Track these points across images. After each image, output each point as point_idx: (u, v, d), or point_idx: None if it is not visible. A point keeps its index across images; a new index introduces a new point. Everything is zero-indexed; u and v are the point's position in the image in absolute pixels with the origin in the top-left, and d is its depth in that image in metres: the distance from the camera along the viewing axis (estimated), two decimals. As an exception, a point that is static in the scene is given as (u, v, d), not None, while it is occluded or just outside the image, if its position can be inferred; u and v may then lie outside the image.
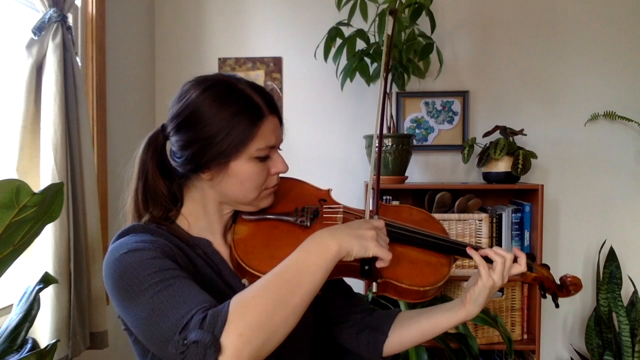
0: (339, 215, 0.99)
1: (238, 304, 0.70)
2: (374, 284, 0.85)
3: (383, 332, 1.04)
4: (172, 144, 0.92)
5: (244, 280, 0.91)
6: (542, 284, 1.02)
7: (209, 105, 0.86)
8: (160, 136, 0.94)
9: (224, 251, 0.96)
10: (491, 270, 0.93)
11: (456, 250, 0.98)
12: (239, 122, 0.86)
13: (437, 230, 1.04)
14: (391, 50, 0.84)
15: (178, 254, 0.86)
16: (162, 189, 0.93)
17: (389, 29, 0.87)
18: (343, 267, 0.87)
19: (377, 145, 0.95)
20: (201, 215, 0.95)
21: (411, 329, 1.02)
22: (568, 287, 1.01)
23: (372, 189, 0.96)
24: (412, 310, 1.07)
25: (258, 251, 0.90)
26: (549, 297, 1.05)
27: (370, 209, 0.92)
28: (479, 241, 2.07)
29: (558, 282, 1.04)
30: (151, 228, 0.89)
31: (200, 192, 0.94)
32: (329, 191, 1.08)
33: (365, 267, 0.82)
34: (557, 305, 1.04)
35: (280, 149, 0.96)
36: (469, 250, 0.96)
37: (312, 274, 0.74)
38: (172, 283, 0.75)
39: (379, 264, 0.82)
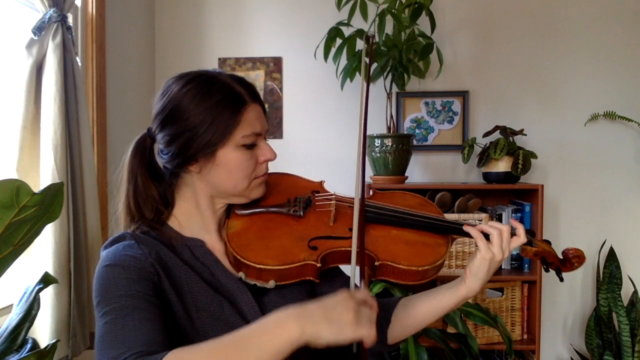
0: (331, 202, 0.99)
1: None
2: None
3: (386, 318, 1.03)
4: (159, 142, 0.92)
5: (240, 274, 0.90)
6: (544, 259, 1.00)
7: (191, 97, 0.87)
8: (147, 139, 0.94)
9: (219, 248, 0.95)
10: (489, 244, 0.92)
11: (452, 229, 0.98)
12: (222, 110, 0.87)
13: (433, 213, 1.03)
14: (370, 75, 0.84)
15: (161, 266, 0.85)
16: (152, 191, 0.93)
17: (366, 54, 0.85)
18: (338, 255, 0.90)
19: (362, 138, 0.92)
20: (194, 213, 0.95)
21: (414, 311, 1.01)
22: (571, 260, 0.99)
23: (363, 187, 0.93)
24: (412, 295, 1.05)
25: (253, 243, 0.90)
26: (552, 272, 1.02)
27: (360, 196, 0.88)
28: (479, 241, 2.07)
29: (560, 256, 1.01)
30: (139, 237, 0.89)
31: (191, 188, 0.94)
32: (321, 183, 1.08)
33: (354, 350, 0.72)
34: (561, 279, 1.02)
35: (265, 139, 0.95)
36: (466, 228, 0.96)
37: (256, 357, 0.66)
38: (129, 313, 0.75)
39: (365, 344, 0.71)
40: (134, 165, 0.93)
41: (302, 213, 0.96)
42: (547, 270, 1.02)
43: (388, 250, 0.92)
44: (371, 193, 1.10)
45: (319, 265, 0.89)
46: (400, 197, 1.09)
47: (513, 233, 0.96)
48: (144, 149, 0.94)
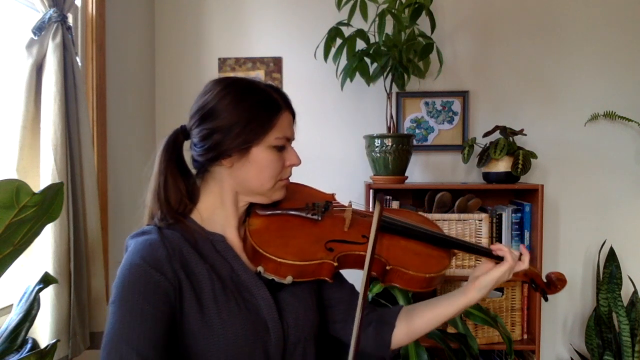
0: (348, 210, 1.06)
1: None
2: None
3: (389, 323, 1.08)
4: (194, 136, 0.97)
5: (259, 268, 0.93)
6: (532, 280, 1.09)
7: (232, 98, 0.94)
8: (179, 135, 1.00)
9: (237, 244, 1.00)
10: (505, 262, 1.01)
11: (455, 244, 1.06)
12: (259, 112, 0.94)
13: (434, 229, 1.11)
14: (376, 244, 0.95)
15: (181, 272, 0.89)
16: (180, 184, 0.98)
17: (375, 215, 0.95)
18: (351, 259, 0.95)
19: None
20: (218, 207, 1.00)
21: (416, 319, 1.06)
22: (554, 282, 1.08)
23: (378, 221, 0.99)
24: (414, 304, 1.11)
25: (273, 240, 0.95)
26: (539, 293, 1.11)
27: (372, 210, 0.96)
28: (478, 241, 2.07)
29: (545, 279, 1.10)
30: (165, 234, 0.93)
31: (219, 183, 0.99)
32: (333, 195, 1.14)
33: None
34: (546, 300, 1.12)
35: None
36: (496, 251, 1.03)
37: None
38: (142, 318, 0.82)
39: None
40: (165, 159, 0.98)
41: (320, 217, 1.01)
42: (535, 290, 1.11)
43: (398, 257, 0.98)
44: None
45: (335, 264, 0.94)
46: (406, 214, 1.17)
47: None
48: (175, 144, 0.99)
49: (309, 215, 1.02)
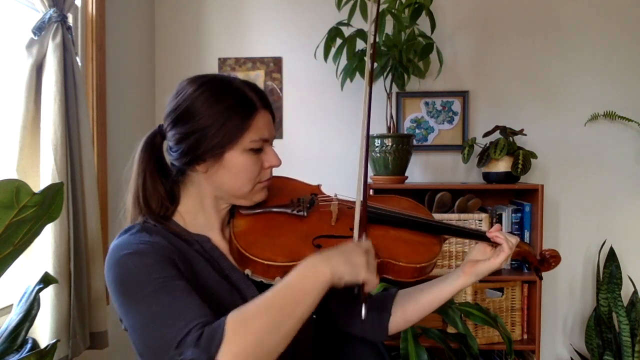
0: (333, 203, 1.03)
1: (234, 324, 0.72)
2: (363, 307, 0.85)
3: (387, 310, 1.08)
4: (169, 139, 0.95)
5: (247, 271, 0.92)
6: (525, 259, 1.09)
7: (205, 99, 0.90)
8: (157, 136, 0.98)
9: (223, 246, 0.98)
10: (502, 253, 1.01)
11: (445, 230, 1.06)
12: (233, 114, 0.90)
13: (424, 215, 1.10)
14: (377, 32, 0.87)
15: (176, 253, 0.87)
16: (159, 187, 0.95)
17: (373, 15, 0.89)
18: None
19: (364, 145, 0.97)
20: (199, 210, 0.97)
21: (413, 303, 1.07)
22: (548, 260, 1.08)
23: (366, 190, 0.98)
24: (410, 288, 1.11)
25: (259, 241, 0.93)
26: (549, 272, 1.11)
27: (361, 199, 0.94)
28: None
29: (538, 257, 1.09)
30: (150, 227, 0.91)
31: (197, 186, 0.96)
32: (319, 186, 1.12)
33: (355, 292, 0.83)
34: (540, 278, 1.12)
35: (272, 146, 0.98)
36: (492, 236, 1.03)
37: (305, 301, 0.75)
38: (171, 292, 0.78)
39: (366, 288, 0.82)
40: (144, 161, 0.95)
41: (305, 213, 0.99)
42: (528, 269, 1.13)
43: (388, 248, 0.96)
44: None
45: None
46: (395, 200, 1.15)
47: None
48: (153, 146, 0.97)
49: (295, 212, 0.98)
